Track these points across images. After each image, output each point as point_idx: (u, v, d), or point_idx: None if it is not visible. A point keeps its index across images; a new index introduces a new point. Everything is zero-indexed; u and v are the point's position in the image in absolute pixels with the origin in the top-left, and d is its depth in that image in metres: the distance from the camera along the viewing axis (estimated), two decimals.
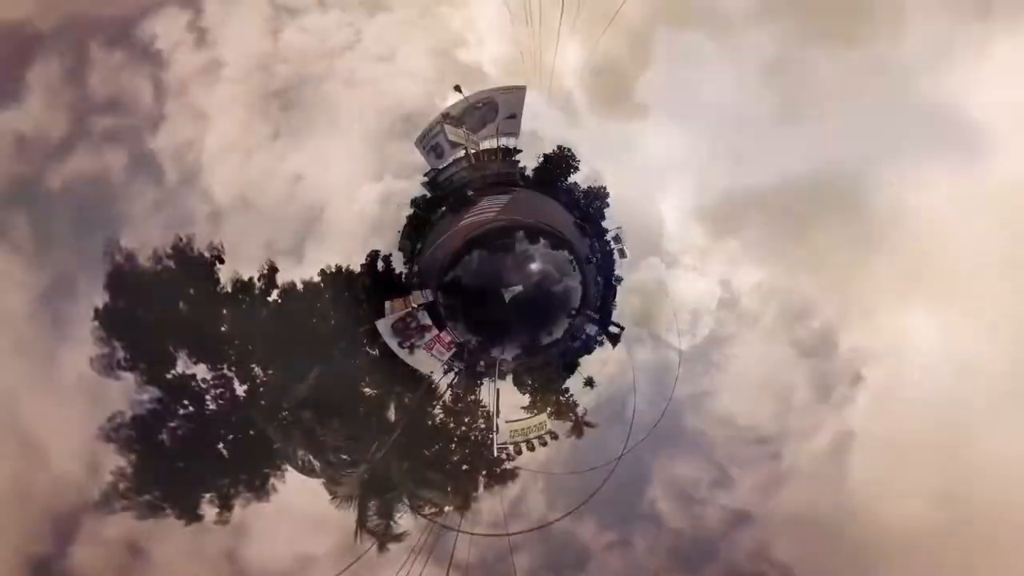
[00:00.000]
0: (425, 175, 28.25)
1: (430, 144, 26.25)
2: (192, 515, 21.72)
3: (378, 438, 19.65)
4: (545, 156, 27.91)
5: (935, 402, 23.51)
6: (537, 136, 30.20)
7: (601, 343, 29.00)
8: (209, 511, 21.96)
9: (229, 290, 24.06)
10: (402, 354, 20.16)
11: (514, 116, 24.62)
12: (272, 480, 22.32)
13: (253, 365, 23.44)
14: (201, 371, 23.26)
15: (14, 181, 25.44)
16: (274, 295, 24.63)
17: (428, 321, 20.89)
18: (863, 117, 25.91)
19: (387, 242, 34.82)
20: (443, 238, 28.62)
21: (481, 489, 20.95)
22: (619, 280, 29.86)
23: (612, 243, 29.12)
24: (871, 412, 25.46)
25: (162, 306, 22.69)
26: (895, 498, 23.39)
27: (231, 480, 21.95)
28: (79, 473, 22.38)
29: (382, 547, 19.58)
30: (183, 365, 23.10)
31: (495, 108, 24.71)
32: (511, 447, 20.29)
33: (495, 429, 20.67)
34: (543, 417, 21.36)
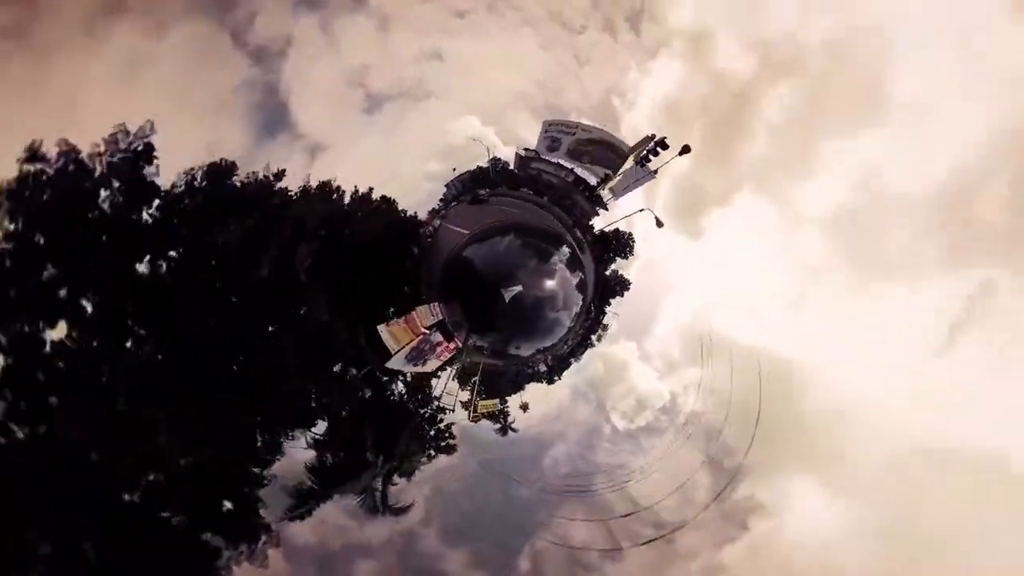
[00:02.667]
0: (525, 150, 27.99)
1: (553, 134, 26.28)
2: None
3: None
4: (616, 230, 28.76)
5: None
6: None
7: (542, 380, 30.98)
8: None
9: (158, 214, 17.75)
10: (409, 369, 18.14)
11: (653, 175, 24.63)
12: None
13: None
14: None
15: None
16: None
17: (440, 338, 18.53)
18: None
19: (441, 169, 33.80)
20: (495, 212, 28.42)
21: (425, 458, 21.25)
22: (591, 345, 31.90)
23: (601, 327, 31.00)
24: (745, 557, 31.00)
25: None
26: None
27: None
28: None
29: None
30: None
31: (621, 163, 25.17)
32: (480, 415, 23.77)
33: (474, 408, 23.24)
34: (495, 400, 25.51)
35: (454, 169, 30.91)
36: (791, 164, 41.26)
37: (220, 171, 21.67)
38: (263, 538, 16.44)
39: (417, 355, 17.87)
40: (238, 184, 21.77)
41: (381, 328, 17.09)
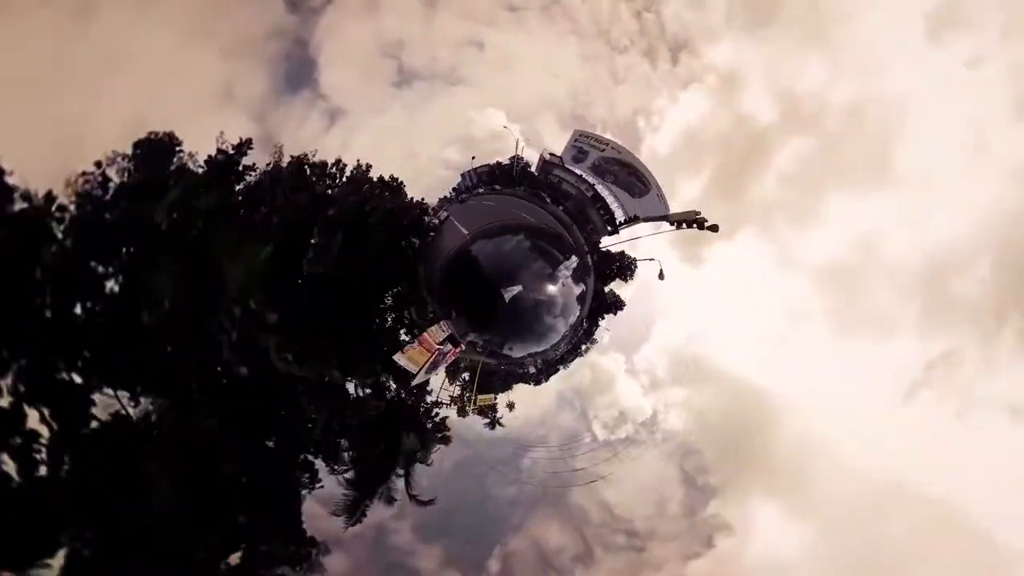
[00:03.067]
0: (550, 154, 27.89)
1: (582, 145, 26.24)
2: None
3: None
4: (622, 252, 29.16)
5: None
6: None
7: (530, 381, 31.56)
8: None
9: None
10: (423, 377, 19.43)
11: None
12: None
13: None
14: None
15: None
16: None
17: (450, 347, 19.49)
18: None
19: (459, 158, 33.59)
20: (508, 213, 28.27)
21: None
22: (581, 354, 32.56)
23: (591, 340, 31.60)
24: (708, 572, 33.59)
25: None
26: None
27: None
28: None
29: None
30: None
31: (644, 190, 25.40)
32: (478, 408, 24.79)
33: (472, 402, 24.19)
34: (491, 395, 26.34)
35: (473, 158, 30.65)
36: (794, 212, 43.25)
37: (157, 150, 17.85)
38: (315, 552, 17.76)
39: (433, 366, 19.00)
40: (181, 167, 18.31)
41: (398, 357, 18.04)
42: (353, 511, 18.76)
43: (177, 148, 18.86)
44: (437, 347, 18.34)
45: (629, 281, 29.28)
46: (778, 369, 40.38)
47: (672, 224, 23.24)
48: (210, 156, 20.16)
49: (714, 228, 21.04)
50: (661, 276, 24.76)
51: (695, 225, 21.49)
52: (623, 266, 28.95)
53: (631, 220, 26.22)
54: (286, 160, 22.15)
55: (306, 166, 22.69)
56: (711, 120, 45.47)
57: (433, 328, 19.15)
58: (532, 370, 31.20)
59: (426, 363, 18.02)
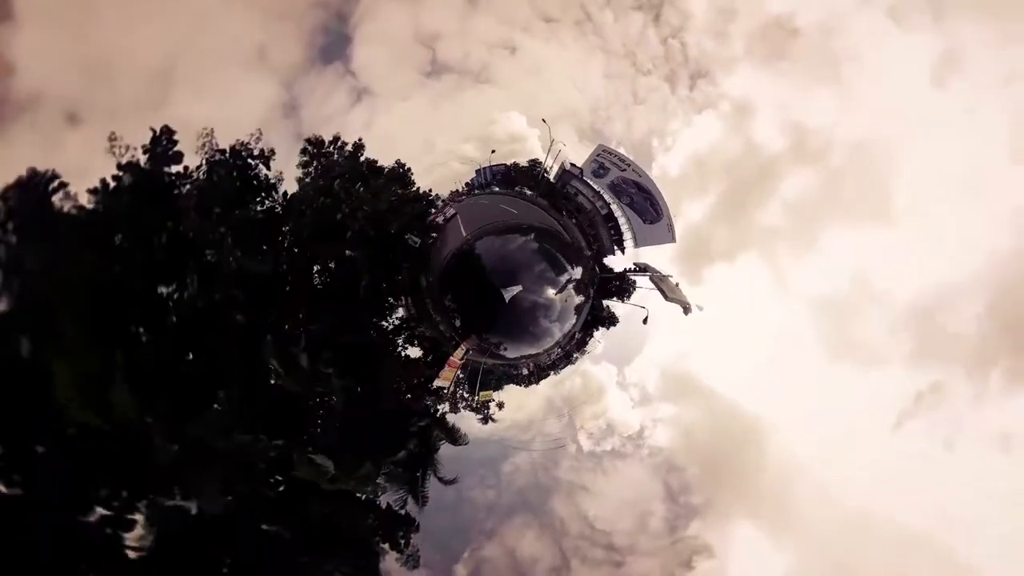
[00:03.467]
0: (571, 164, 27.81)
1: (603, 161, 26.19)
2: None
3: None
4: (623, 273, 29.35)
5: None
6: None
7: (521, 383, 32.22)
8: None
9: None
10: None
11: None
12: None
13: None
14: None
15: None
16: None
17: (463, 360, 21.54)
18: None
19: (477, 155, 33.27)
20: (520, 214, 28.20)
21: None
22: (573, 362, 33.17)
23: (582, 348, 32.16)
24: None
25: None
26: None
27: None
28: None
29: None
30: None
31: (655, 217, 25.67)
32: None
33: (478, 394, 25.37)
34: (490, 391, 26.84)
35: (493, 151, 30.49)
36: (795, 240, 44.21)
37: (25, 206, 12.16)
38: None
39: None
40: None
41: (437, 382, 20.34)
42: (415, 497, 20.33)
43: (53, 187, 12.87)
44: (459, 362, 21.05)
45: (626, 301, 29.72)
46: (768, 393, 41.68)
47: (663, 296, 24.93)
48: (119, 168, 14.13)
49: (700, 308, 23.45)
50: (645, 322, 26.42)
51: (684, 310, 23.47)
52: (623, 286, 29.33)
53: (641, 270, 27.02)
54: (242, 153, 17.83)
55: (250, 159, 17.53)
56: (721, 145, 46.53)
57: (457, 352, 21.47)
58: (525, 372, 31.77)
59: (454, 376, 20.68)
